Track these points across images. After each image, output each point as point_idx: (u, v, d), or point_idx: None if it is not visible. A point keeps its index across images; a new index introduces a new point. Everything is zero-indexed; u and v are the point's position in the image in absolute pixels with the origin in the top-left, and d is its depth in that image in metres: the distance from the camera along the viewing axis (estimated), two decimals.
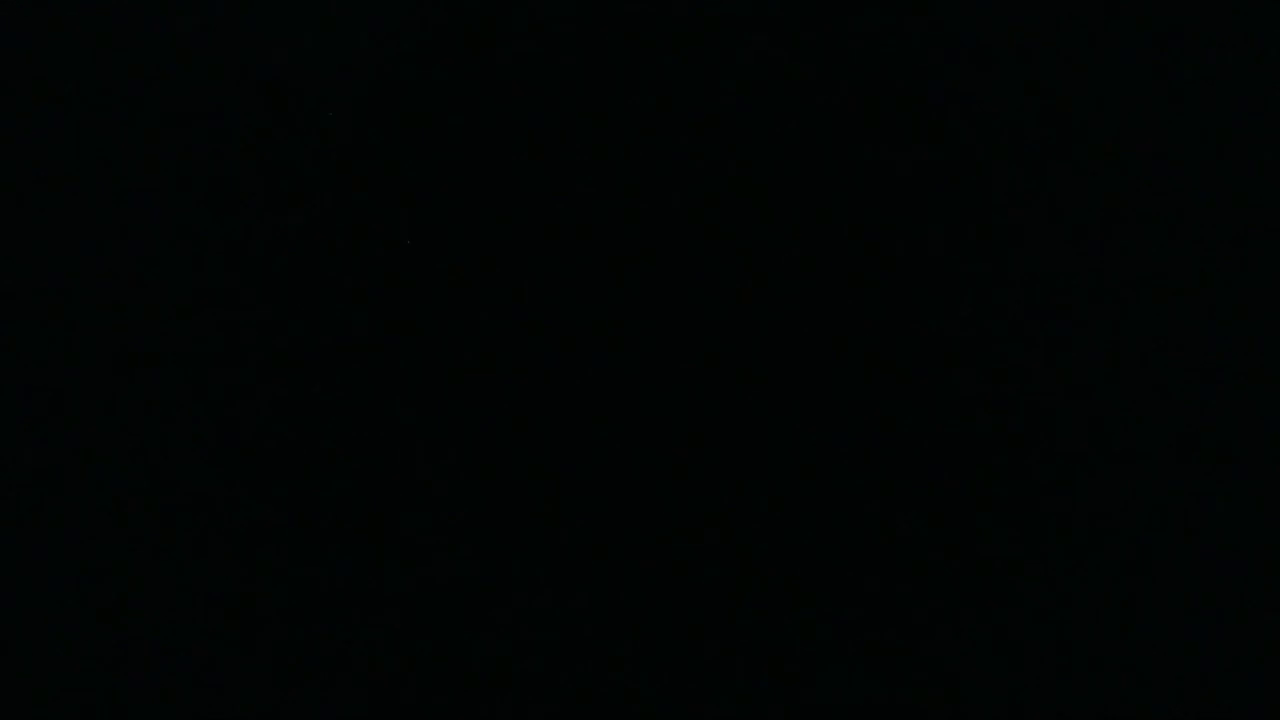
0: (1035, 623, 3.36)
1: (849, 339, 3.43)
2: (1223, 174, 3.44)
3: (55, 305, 3.40)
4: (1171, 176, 3.45)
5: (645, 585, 3.38)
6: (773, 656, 3.35)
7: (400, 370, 3.43)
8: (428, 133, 3.48)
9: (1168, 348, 3.41)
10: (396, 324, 3.44)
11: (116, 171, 3.44)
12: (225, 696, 3.33)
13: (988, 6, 3.48)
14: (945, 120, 3.47)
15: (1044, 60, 3.47)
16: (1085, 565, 3.37)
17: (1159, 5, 3.47)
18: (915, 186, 3.46)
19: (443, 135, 3.47)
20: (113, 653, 3.33)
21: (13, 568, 3.34)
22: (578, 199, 3.47)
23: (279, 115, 3.47)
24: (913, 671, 3.35)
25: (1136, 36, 3.47)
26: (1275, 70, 3.45)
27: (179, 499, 3.38)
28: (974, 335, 3.44)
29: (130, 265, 3.42)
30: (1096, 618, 3.35)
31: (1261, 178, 3.44)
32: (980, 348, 3.44)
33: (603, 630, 3.37)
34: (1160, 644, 3.34)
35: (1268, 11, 3.45)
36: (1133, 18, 3.46)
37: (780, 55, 3.48)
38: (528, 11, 3.48)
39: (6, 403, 3.38)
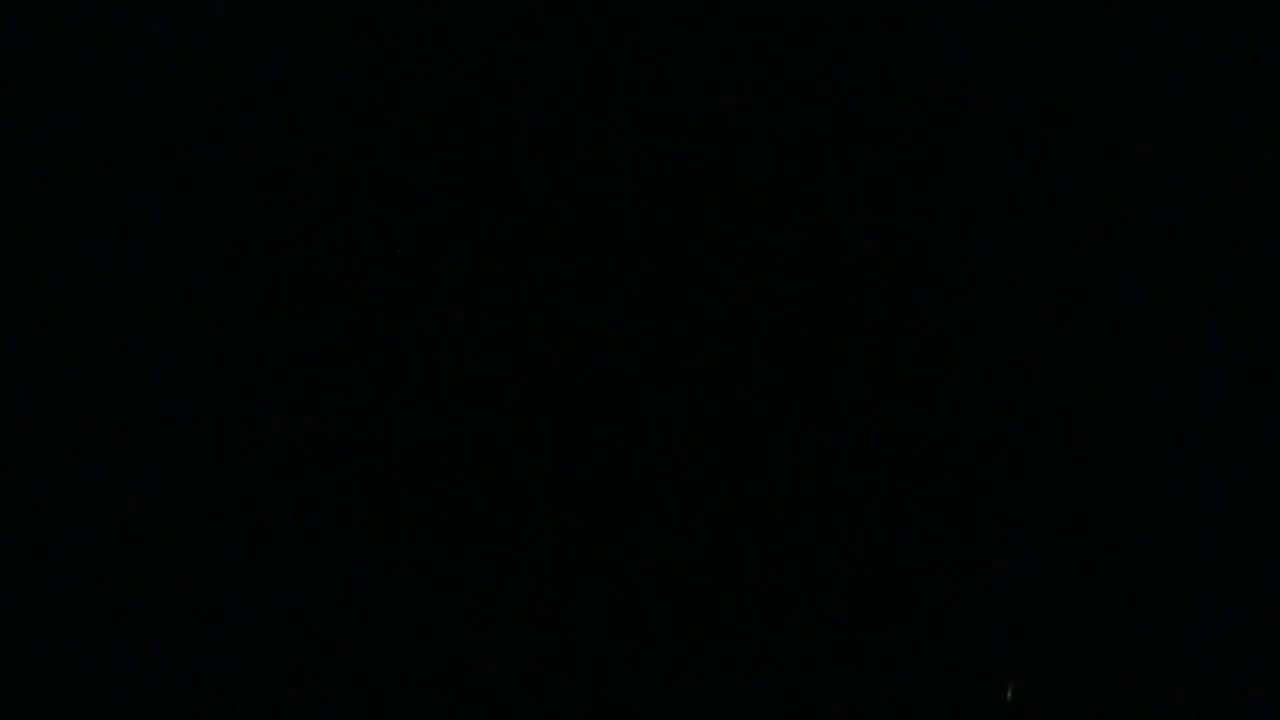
0: (1034, 623, 3.37)
1: (848, 339, 3.43)
2: (1222, 174, 3.45)
3: (56, 305, 3.41)
4: (1171, 176, 3.45)
5: (644, 585, 3.39)
6: (771, 656, 3.36)
7: (400, 370, 3.44)
8: (426, 132, 3.48)
9: (1167, 348, 3.42)
10: (396, 324, 3.44)
11: (115, 171, 3.44)
12: (226, 696, 3.34)
13: (988, 6, 3.48)
14: (944, 120, 3.48)
15: (1044, 60, 3.47)
16: (1084, 565, 3.38)
17: (1159, 5, 3.47)
18: (914, 187, 3.47)
19: (442, 135, 3.48)
20: (113, 652, 3.34)
21: (13, 568, 3.35)
22: (577, 199, 3.47)
23: (277, 115, 3.47)
24: (911, 671, 3.35)
25: (1136, 37, 3.47)
26: (1275, 70, 3.45)
27: (177, 499, 3.39)
28: (973, 336, 3.44)
29: (130, 265, 3.43)
30: (1095, 619, 3.36)
31: (1261, 178, 3.44)
32: (979, 348, 3.44)
33: (602, 630, 3.37)
34: (1159, 644, 3.35)
35: (1268, 11, 3.45)
36: (1132, 18, 3.47)
37: (778, 55, 3.48)
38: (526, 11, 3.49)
39: (7, 403, 3.39)
